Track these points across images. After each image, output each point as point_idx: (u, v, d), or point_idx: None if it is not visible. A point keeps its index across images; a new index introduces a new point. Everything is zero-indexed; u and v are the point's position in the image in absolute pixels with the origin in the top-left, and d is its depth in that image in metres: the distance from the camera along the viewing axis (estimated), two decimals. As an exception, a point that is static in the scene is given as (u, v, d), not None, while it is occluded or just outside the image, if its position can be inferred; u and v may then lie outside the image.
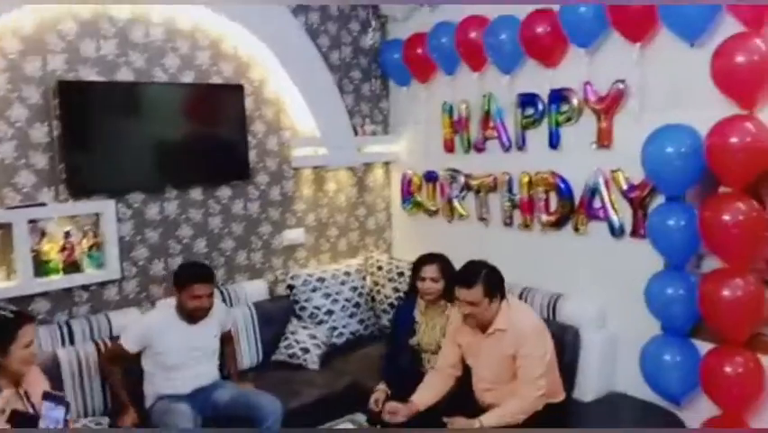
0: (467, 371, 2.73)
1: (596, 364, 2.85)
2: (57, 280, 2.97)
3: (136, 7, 3.19)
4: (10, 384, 2.02)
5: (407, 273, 3.70)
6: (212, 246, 3.57)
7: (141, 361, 2.86)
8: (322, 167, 3.99)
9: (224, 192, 3.60)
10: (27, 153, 2.94)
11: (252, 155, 3.68)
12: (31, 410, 2.01)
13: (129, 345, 2.80)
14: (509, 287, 2.75)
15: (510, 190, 3.41)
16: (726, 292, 2.30)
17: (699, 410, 2.59)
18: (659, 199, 2.71)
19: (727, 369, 2.35)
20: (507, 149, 3.42)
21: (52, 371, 2.60)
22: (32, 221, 2.89)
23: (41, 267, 2.91)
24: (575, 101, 3.03)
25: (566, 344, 2.84)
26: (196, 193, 3.49)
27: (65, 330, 2.91)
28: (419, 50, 3.78)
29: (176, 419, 2.66)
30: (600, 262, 3.01)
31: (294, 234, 3.91)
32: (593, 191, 2.98)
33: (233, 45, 3.57)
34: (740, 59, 2.25)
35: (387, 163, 4.33)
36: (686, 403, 2.63)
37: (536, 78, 3.20)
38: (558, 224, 3.17)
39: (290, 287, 3.64)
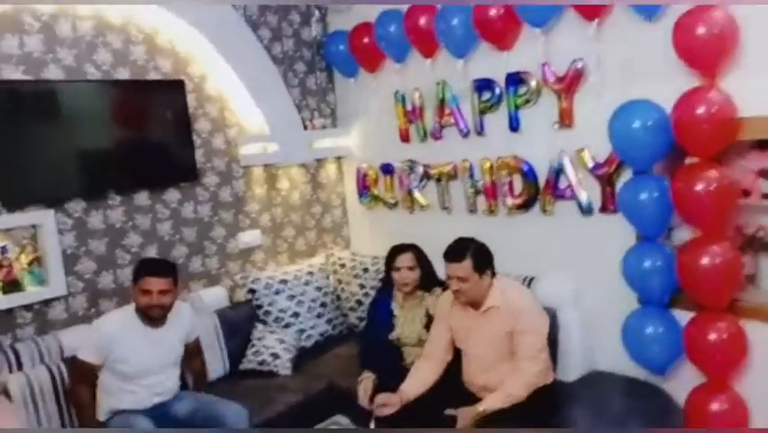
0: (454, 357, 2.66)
1: (576, 344, 2.83)
2: (-4, 302, 2.67)
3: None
4: None
5: (372, 269, 3.63)
6: (163, 254, 3.33)
7: None
8: (273, 165, 3.82)
9: (172, 195, 3.38)
10: (-51, 164, 2.64)
11: (199, 155, 3.47)
12: None
13: (91, 357, 2.54)
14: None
15: (472, 177, 3.37)
16: (704, 260, 2.32)
17: (683, 380, 2.61)
18: (627, 174, 2.73)
19: (711, 335, 2.37)
20: (465, 135, 3.37)
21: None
22: (-40, 239, 2.60)
23: (-25, 288, 2.61)
24: (533, 83, 3.00)
25: (544, 326, 2.81)
26: (141, 198, 3.25)
27: (11, 355, 2.62)
28: (366, 40, 3.67)
29: None
30: (571, 241, 3.01)
31: (249, 237, 3.73)
32: (558, 172, 2.97)
33: (169, 39, 3.35)
34: (701, 30, 2.26)
35: (339, 158, 4.21)
36: (670, 374, 2.65)
37: (491, 62, 3.15)
38: (525, 206, 3.15)
39: (252, 291, 3.46)
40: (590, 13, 2.70)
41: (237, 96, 3.63)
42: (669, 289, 2.57)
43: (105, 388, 2.60)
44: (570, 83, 2.84)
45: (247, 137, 3.68)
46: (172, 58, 3.37)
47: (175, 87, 3.32)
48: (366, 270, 3.69)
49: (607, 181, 2.80)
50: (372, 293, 3.55)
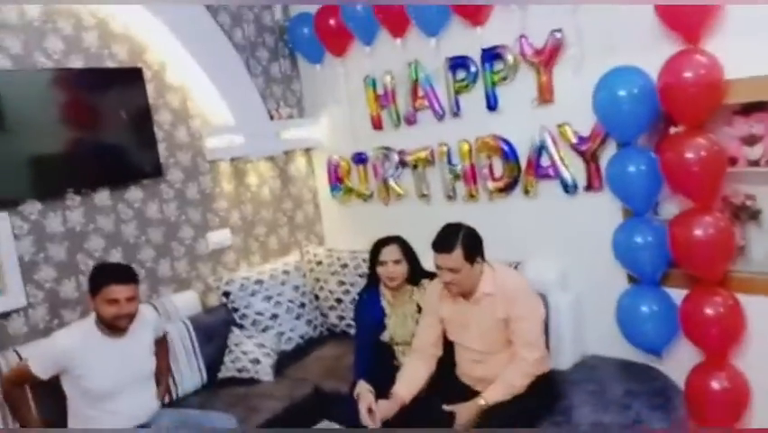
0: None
1: (568, 329, 2.77)
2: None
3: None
4: None
5: (351, 264, 3.53)
6: (129, 257, 3.17)
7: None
8: (240, 158, 3.68)
9: (135, 194, 3.22)
10: None
11: (162, 149, 3.31)
12: None
13: (37, 368, 2.35)
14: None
15: (450, 161, 3.30)
16: (698, 232, 2.29)
17: (680, 360, 2.59)
18: (610, 149, 2.69)
19: (708, 310, 2.34)
20: (441, 117, 3.30)
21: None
22: None
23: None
24: (510, 58, 2.94)
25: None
26: (102, 197, 3.08)
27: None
28: (332, 22, 3.56)
29: None
30: (556, 223, 2.96)
31: (219, 237, 3.59)
32: (540, 150, 2.92)
33: (124, 23, 3.18)
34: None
35: (308, 150, 4.09)
36: (666, 354, 2.62)
37: (465, 39, 3.07)
38: (506, 189, 3.09)
39: (226, 294, 3.33)
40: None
41: (199, 85, 3.48)
42: (661, 265, 2.53)
43: (74, 410, 2.43)
44: (549, 56, 2.79)
45: (211, 129, 3.54)
46: (128, 44, 3.19)
47: (133, 76, 3.15)
48: (345, 265, 3.59)
49: (591, 157, 2.75)
50: (353, 290, 3.47)
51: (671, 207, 2.59)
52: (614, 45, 2.59)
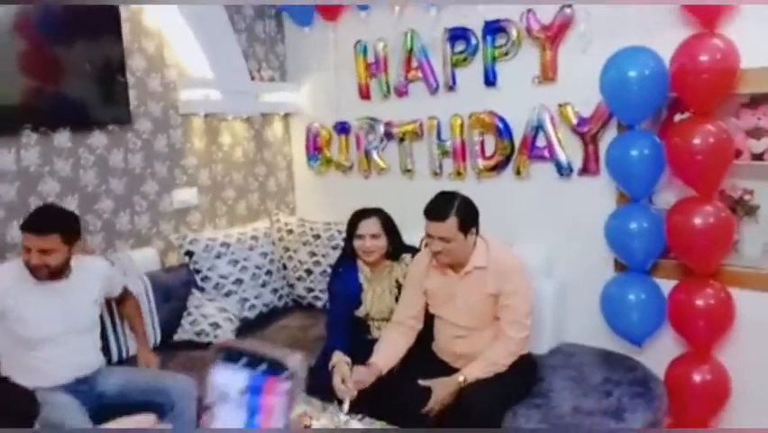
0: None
1: (549, 315, 2.72)
2: None
3: None
4: None
5: (325, 235, 3.41)
6: (85, 207, 2.97)
7: None
8: (215, 115, 3.51)
9: (99, 139, 3.01)
10: None
11: (132, 96, 3.12)
12: None
13: None
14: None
15: (440, 136, 3.21)
16: (697, 221, 2.26)
17: (659, 352, 2.58)
18: (610, 133, 2.66)
19: (699, 301, 2.32)
20: (434, 91, 3.21)
21: None
22: None
23: None
24: (514, 32, 2.87)
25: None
26: (62, 138, 2.87)
27: None
28: (327, -16, 3.44)
29: (63, 414, 2.12)
30: (546, 206, 2.90)
31: (185, 195, 3.40)
32: (537, 129, 2.86)
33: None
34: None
35: (287, 115, 3.94)
36: (645, 346, 2.60)
37: (467, 9, 2.99)
38: (497, 168, 3.02)
39: (189, 253, 3.15)
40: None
41: (178, 33, 3.29)
42: (653, 253, 2.51)
43: (9, 357, 2.28)
44: (556, 32, 2.73)
45: (187, 81, 3.35)
46: (105, -19, 3.00)
47: (107, 13, 2.95)
48: (317, 236, 3.45)
49: (590, 140, 2.71)
50: (324, 261, 3.34)
51: (666, 196, 2.56)
52: (625, 24, 2.55)
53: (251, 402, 0.96)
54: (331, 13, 3.54)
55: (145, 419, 1.64)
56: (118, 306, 2.70)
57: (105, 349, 2.60)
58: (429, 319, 2.52)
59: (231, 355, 1.01)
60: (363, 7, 3.39)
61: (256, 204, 3.80)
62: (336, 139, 3.69)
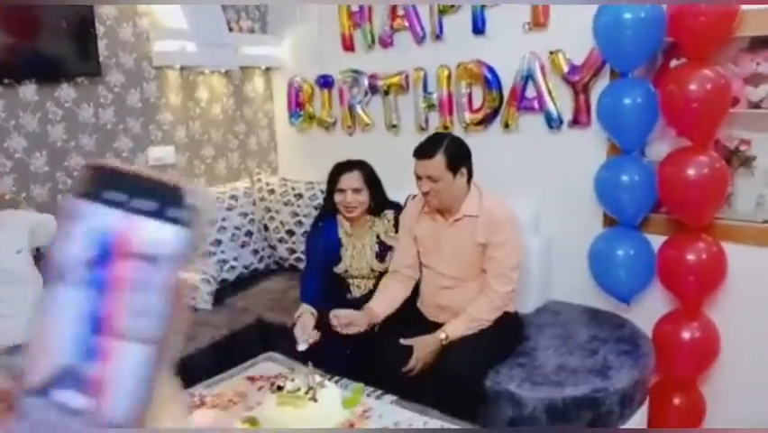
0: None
1: (535, 272, 2.68)
2: None
3: None
4: None
5: (307, 195, 3.35)
6: (54, 164, 2.88)
7: None
8: (191, 68, 3.40)
9: (67, 92, 2.91)
10: None
11: (102, 47, 3.01)
12: None
13: None
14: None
15: (426, 89, 3.12)
16: (690, 172, 2.19)
17: (647, 310, 2.54)
18: (602, 82, 2.57)
19: (690, 256, 2.27)
20: (420, 40, 3.10)
21: None
22: None
23: None
24: (504, -25, 2.77)
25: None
26: (28, 91, 2.77)
27: None
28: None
29: None
30: (535, 160, 2.83)
31: (161, 153, 3.32)
32: (526, 79, 2.77)
33: None
34: None
35: (268, 70, 3.84)
36: (633, 303, 2.55)
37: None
38: (484, 121, 2.94)
39: (164, 212, 3.08)
40: None
41: (151, -20, 3.18)
42: (644, 207, 2.44)
43: None
44: (548, -26, 2.63)
45: (161, 31, 3.24)
46: None
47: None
48: (299, 195, 3.39)
49: (582, 89, 2.62)
50: (306, 222, 3.28)
51: (659, 147, 2.49)
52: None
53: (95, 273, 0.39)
54: (313, -41, 3.42)
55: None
56: None
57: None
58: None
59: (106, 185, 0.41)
60: (347, -48, 3.26)
61: (236, 163, 3.72)
62: (319, 94, 3.59)
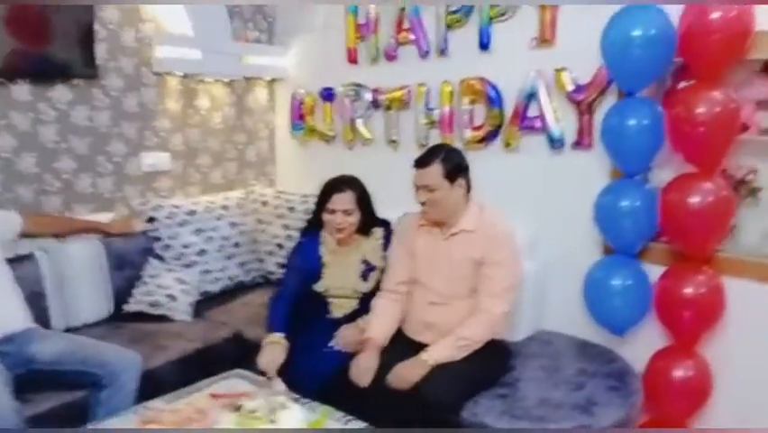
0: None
1: (528, 299, 2.57)
2: None
3: None
4: None
5: (300, 208, 3.30)
6: (44, 165, 2.88)
7: None
8: (193, 75, 3.40)
9: (62, 94, 2.91)
10: None
11: (101, 50, 3.02)
12: None
13: None
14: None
15: (428, 105, 3.07)
16: (694, 199, 2.09)
17: (640, 345, 2.44)
18: (609, 102, 2.49)
19: (687, 289, 2.17)
20: (425, 55, 3.06)
21: None
22: None
23: None
24: (512, -11, 2.72)
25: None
26: (21, 91, 2.77)
27: None
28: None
29: None
30: (534, 182, 2.75)
31: (155, 159, 3.31)
32: (530, 97, 2.70)
33: None
34: None
35: (272, 81, 3.83)
36: (627, 337, 2.44)
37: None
38: (485, 140, 2.87)
39: (151, 219, 3.05)
40: None
41: (156, -15, 3.20)
42: (644, 235, 2.34)
43: None
44: (557, -12, 2.57)
45: (165, 37, 3.24)
46: None
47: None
48: (292, 209, 3.33)
49: (586, 109, 2.54)
50: (296, 236, 3.20)
51: (663, 173, 2.38)
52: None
53: None
54: (322, -30, 3.42)
55: None
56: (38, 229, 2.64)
57: (44, 318, 2.53)
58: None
59: None
60: (356, -35, 3.25)
61: (233, 173, 3.70)
62: (321, 106, 3.56)
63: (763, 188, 2.23)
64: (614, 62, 2.27)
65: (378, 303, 2.38)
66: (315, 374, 2.23)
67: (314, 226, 2.54)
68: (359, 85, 3.34)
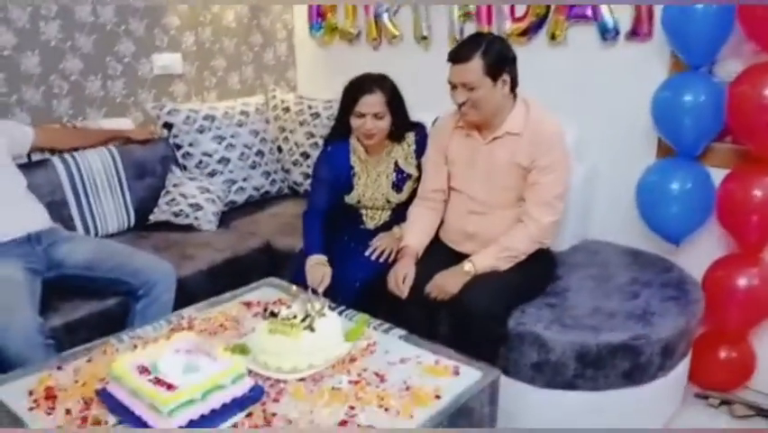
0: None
1: (574, 206, 2.43)
2: None
3: None
4: None
5: (324, 114, 3.15)
6: (49, 66, 2.73)
7: None
8: (202, -32, 3.18)
9: (62, -14, 2.74)
10: None
11: (101, -64, 2.81)
12: None
13: None
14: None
15: (462, -6, 2.85)
16: (766, 91, 1.93)
17: (699, 254, 2.34)
18: (669, -14, 2.28)
19: (755, 192, 2.04)
20: (459, -66, 2.83)
21: None
22: None
23: None
24: None
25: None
26: (18, -17, 2.61)
27: None
28: None
29: None
30: (583, 77, 2.58)
31: (167, 60, 3.14)
32: (580, -19, 2.49)
33: None
34: None
35: (288, -25, 3.59)
36: (683, 246, 2.34)
37: None
38: (528, 32, 2.67)
39: (168, 125, 2.92)
40: None
41: None
42: (708, 134, 2.19)
43: None
44: None
45: (169, -77, 3.01)
46: None
47: None
48: (316, 115, 3.19)
49: (646, -7, 2.33)
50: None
51: (732, 65, 2.20)
52: None
53: None
54: None
55: None
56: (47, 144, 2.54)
57: (70, 228, 2.49)
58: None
59: None
60: None
61: (251, 78, 3.53)
62: (342, 1, 3.34)
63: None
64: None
65: (413, 211, 2.27)
66: (350, 284, 2.16)
67: (339, 133, 2.39)
68: (385, -26, 3.11)
